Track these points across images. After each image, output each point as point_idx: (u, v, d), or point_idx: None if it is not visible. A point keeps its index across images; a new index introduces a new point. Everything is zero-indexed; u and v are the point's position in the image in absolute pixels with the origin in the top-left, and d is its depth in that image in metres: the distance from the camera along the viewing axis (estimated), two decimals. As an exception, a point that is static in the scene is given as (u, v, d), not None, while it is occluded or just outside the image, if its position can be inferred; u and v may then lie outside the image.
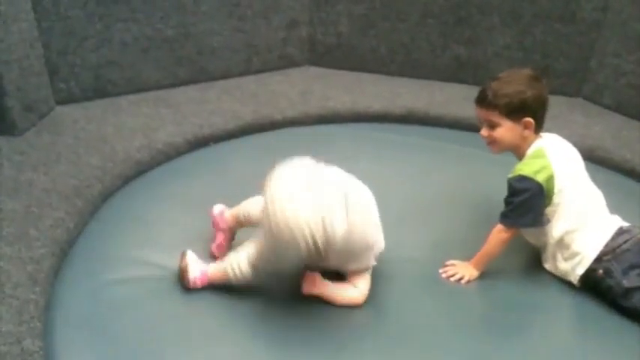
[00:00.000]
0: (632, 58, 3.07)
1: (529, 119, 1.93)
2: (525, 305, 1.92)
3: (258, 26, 3.21)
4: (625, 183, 2.61)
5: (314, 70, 3.37)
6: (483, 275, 2.00)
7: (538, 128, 1.97)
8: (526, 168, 1.92)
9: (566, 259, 1.95)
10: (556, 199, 1.91)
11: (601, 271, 1.87)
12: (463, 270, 1.98)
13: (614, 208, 2.02)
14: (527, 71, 1.98)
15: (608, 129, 2.93)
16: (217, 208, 2.03)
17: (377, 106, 3.05)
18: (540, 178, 1.88)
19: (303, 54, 3.41)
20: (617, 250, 1.87)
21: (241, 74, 3.17)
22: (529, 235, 2.04)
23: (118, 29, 2.80)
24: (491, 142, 2.00)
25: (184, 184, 2.38)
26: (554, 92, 3.13)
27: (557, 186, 1.90)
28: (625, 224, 1.96)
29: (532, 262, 2.08)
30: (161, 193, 2.31)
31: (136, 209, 2.20)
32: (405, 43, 3.37)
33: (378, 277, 1.93)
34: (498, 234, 1.95)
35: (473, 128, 2.90)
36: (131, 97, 2.84)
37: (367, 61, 3.41)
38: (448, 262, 2.02)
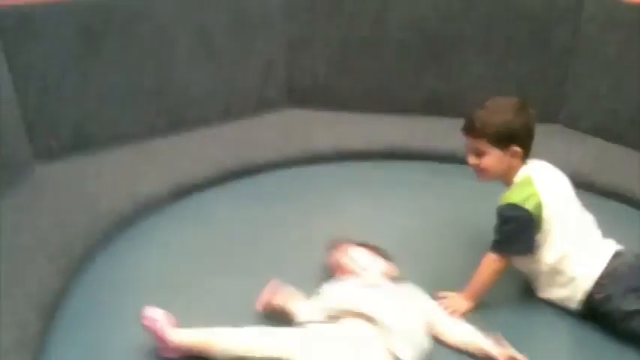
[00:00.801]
0: (606, 82, 3.11)
1: (516, 148, 1.94)
2: (522, 334, 1.90)
3: (235, 71, 3.21)
4: (610, 206, 2.62)
5: (293, 112, 3.38)
6: (477, 308, 1.97)
7: (525, 156, 1.98)
8: (514, 196, 1.92)
9: (563, 286, 1.94)
10: (546, 226, 1.91)
11: (600, 295, 1.86)
12: (456, 302, 1.96)
13: (602, 231, 2.02)
14: (513, 100, 1.99)
15: (588, 153, 2.95)
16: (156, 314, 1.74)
17: (358, 144, 3.06)
18: (529, 205, 1.89)
19: (282, 96, 3.42)
20: (616, 274, 1.87)
21: (221, 121, 3.16)
22: (520, 264, 2.03)
23: (96, 82, 2.78)
24: (479, 170, 2.00)
25: (170, 236, 2.36)
26: (532, 120, 3.20)
27: (546, 213, 1.90)
28: (619, 247, 1.96)
29: (524, 291, 2.07)
30: (146, 247, 2.28)
31: (122, 265, 2.17)
32: (381, 80, 3.39)
33: None
34: (491, 264, 1.94)
35: (455, 160, 2.95)
36: (111, 150, 2.82)
37: (345, 100, 3.43)
38: (440, 294, 1.99)
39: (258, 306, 1.89)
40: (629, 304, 1.81)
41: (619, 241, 2.01)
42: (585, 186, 2.63)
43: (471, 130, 1.98)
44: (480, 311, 1.97)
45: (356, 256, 2.00)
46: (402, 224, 2.46)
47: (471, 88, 3.33)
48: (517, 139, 1.94)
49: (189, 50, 3.03)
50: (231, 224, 2.44)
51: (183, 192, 2.60)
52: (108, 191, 2.48)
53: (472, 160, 2.01)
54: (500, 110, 1.95)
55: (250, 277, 2.03)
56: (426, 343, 1.75)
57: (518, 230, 1.90)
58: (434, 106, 3.38)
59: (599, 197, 2.64)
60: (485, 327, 1.88)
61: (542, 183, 1.94)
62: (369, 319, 1.69)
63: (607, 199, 2.66)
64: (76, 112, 2.76)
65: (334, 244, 2.08)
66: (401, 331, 1.66)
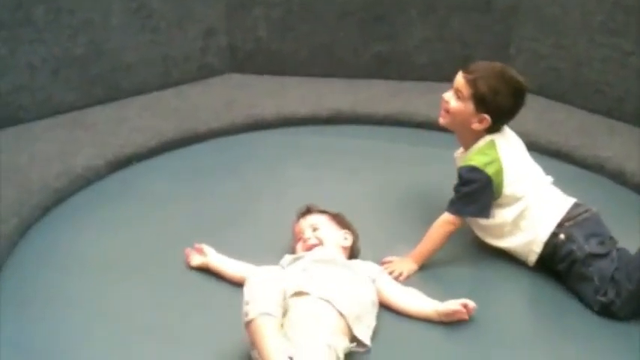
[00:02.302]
0: (549, 42, 3.12)
1: (487, 117, 1.94)
2: (467, 294, 1.90)
3: (174, 37, 3.10)
4: (552, 165, 2.63)
5: (236, 78, 3.29)
6: (423, 267, 1.97)
7: (491, 130, 1.98)
8: (476, 158, 1.94)
9: (525, 229, 1.94)
10: (506, 190, 1.93)
11: (562, 236, 1.89)
12: (401, 265, 1.95)
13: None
14: (518, 80, 1.99)
15: (531, 113, 2.94)
16: None
17: (303, 109, 3.00)
18: (490, 170, 1.91)
19: (223, 62, 3.33)
20: (579, 218, 1.91)
21: (160, 88, 3.06)
22: (477, 224, 2.03)
23: (24, 52, 2.66)
24: (446, 110, 2.00)
25: (108, 209, 2.27)
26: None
27: (507, 179, 1.92)
28: (575, 200, 1.98)
29: (471, 248, 2.07)
30: (84, 221, 2.19)
31: (57, 241, 2.08)
32: (326, 43, 3.33)
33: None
34: (443, 225, 1.95)
35: (401, 124, 2.93)
36: (45, 122, 2.70)
37: (289, 64, 3.36)
38: (385, 259, 1.98)
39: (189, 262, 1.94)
40: (591, 247, 1.85)
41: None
42: (529, 145, 2.65)
43: (469, 73, 1.96)
44: (429, 271, 1.97)
45: (317, 226, 1.96)
46: (349, 190, 2.42)
47: (416, 50, 3.31)
48: (493, 112, 1.94)
49: (124, 16, 2.91)
50: (172, 196, 2.36)
51: (121, 163, 2.51)
52: (41, 164, 2.37)
53: (448, 96, 1.99)
54: (501, 80, 1.95)
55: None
56: (374, 318, 1.73)
57: (476, 192, 1.92)
58: (379, 69, 3.34)
59: (541, 156, 2.64)
60: (436, 286, 1.89)
61: (505, 149, 1.96)
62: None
63: (550, 158, 2.67)
64: (5, 83, 2.63)
65: (300, 212, 2.04)
66: (353, 313, 1.63)
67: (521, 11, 3.19)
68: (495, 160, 1.92)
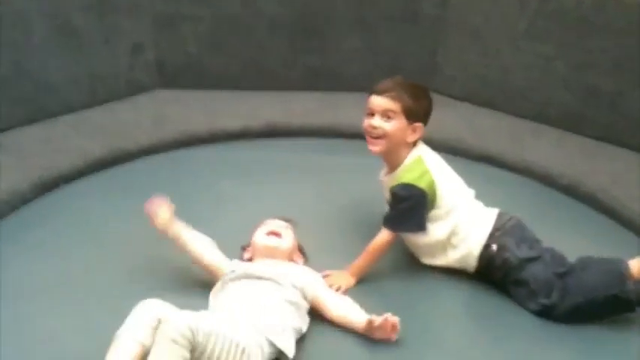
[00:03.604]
0: (475, 50, 3.20)
1: (420, 125, 1.97)
2: (412, 306, 1.91)
3: (100, 54, 3.03)
4: (482, 169, 2.69)
5: (165, 94, 3.23)
6: (362, 281, 1.97)
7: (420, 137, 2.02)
8: (407, 175, 1.95)
9: (458, 246, 1.97)
10: (438, 201, 1.96)
11: (494, 246, 1.93)
12: (339, 279, 1.95)
13: (476, 193, 2.08)
14: (422, 84, 2.06)
15: (460, 119, 3.03)
16: None
17: (235, 123, 2.97)
18: (423, 184, 1.92)
19: (152, 78, 3.27)
20: (506, 226, 1.96)
21: (87, 107, 2.98)
22: (410, 239, 2.05)
23: (-58, 74, 2.55)
24: (380, 135, 1.97)
25: (37, 234, 2.17)
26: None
27: (439, 190, 1.94)
28: (498, 209, 2.03)
29: (407, 260, 2.08)
30: (11, 247, 2.09)
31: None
32: (256, 57, 3.32)
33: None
34: (382, 242, 1.96)
35: (334, 135, 2.94)
36: (-36, 146, 2.58)
37: (220, 79, 3.33)
38: (323, 274, 1.97)
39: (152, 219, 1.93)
40: (523, 252, 1.90)
41: (494, 203, 2.07)
42: (457, 151, 2.71)
43: (389, 91, 1.96)
44: (367, 284, 1.97)
45: (286, 227, 2.00)
46: (285, 203, 2.40)
47: (346, 62, 3.34)
48: (422, 119, 1.99)
49: (46, 34, 2.82)
50: (102, 218, 2.27)
51: (47, 186, 2.42)
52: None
53: (377, 122, 1.97)
54: (417, 86, 2.02)
55: (125, 275, 1.94)
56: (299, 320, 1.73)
57: (411, 208, 1.94)
58: (310, 81, 3.35)
59: (470, 162, 2.71)
60: (375, 298, 1.89)
61: (432, 162, 1.99)
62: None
63: (479, 162, 2.73)
64: None
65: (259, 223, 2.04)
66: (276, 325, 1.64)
67: (447, 21, 3.27)
68: (425, 173, 1.94)
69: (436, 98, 3.19)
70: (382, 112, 1.97)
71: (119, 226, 2.22)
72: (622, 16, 2.74)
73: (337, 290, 1.91)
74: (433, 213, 1.97)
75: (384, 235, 1.96)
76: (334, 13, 3.28)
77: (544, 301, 1.85)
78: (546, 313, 1.86)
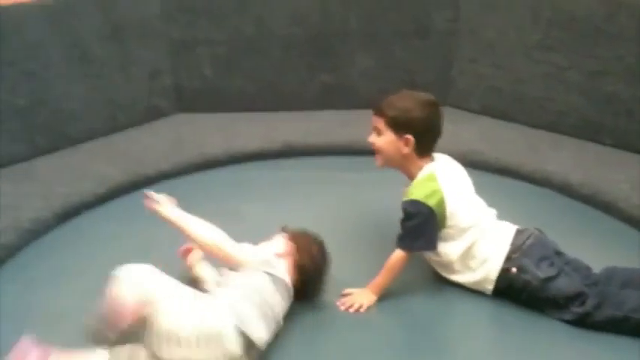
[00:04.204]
0: (488, 62, 3.20)
1: (409, 137, 1.96)
2: (435, 321, 1.91)
3: (118, 81, 3.09)
4: (500, 181, 2.69)
5: (184, 118, 3.28)
6: (382, 298, 1.97)
7: (423, 151, 2.00)
8: (417, 192, 1.94)
9: (476, 269, 1.97)
10: (449, 221, 1.94)
11: (514, 269, 1.91)
12: (360, 297, 1.95)
13: (496, 207, 2.07)
14: (425, 95, 2.03)
15: (477, 132, 3.02)
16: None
17: (253, 144, 3.00)
18: (431, 202, 1.91)
19: (170, 102, 3.32)
20: (524, 247, 1.93)
21: (107, 133, 3.03)
22: (425, 256, 2.05)
23: (-36, 105, 2.60)
24: (376, 150, 2.04)
25: (60, 260, 2.21)
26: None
27: (449, 209, 1.93)
28: (517, 226, 2.01)
29: (428, 276, 2.07)
30: (35, 275, 2.13)
31: (9, 295, 2.01)
32: (272, 78, 3.35)
33: None
34: (396, 261, 1.96)
35: (352, 152, 2.95)
36: (-12, 176, 2.63)
37: (237, 100, 3.37)
38: (344, 292, 1.98)
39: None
40: (544, 272, 1.88)
41: (513, 217, 2.06)
42: (474, 164, 2.70)
43: (377, 108, 2.02)
44: (388, 301, 1.96)
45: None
46: (304, 221, 2.40)
47: (361, 79, 3.35)
48: (412, 130, 1.96)
49: (65, 64, 2.88)
50: (125, 242, 2.31)
51: (70, 213, 2.46)
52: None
53: (371, 138, 2.04)
54: (407, 99, 2.00)
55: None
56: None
57: (420, 226, 1.92)
58: (326, 100, 3.37)
59: (488, 174, 2.70)
60: (397, 316, 1.88)
61: (446, 179, 1.97)
62: None
63: (497, 175, 2.72)
64: (-57, 138, 2.57)
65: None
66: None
67: (459, 35, 3.27)
68: (436, 192, 1.92)
69: (452, 112, 3.27)
70: (374, 128, 2.04)
71: (141, 247, 2.25)
72: (634, 24, 2.73)
73: (359, 308, 1.92)
74: (445, 232, 1.95)
75: (397, 253, 1.96)
76: (347, 31, 3.31)
77: (578, 310, 1.84)
78: (581, 322, 1.84)
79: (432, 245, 1.95)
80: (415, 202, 1.92)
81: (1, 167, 2.67)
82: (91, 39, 2.96)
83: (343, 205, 2.55)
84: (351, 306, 1.93)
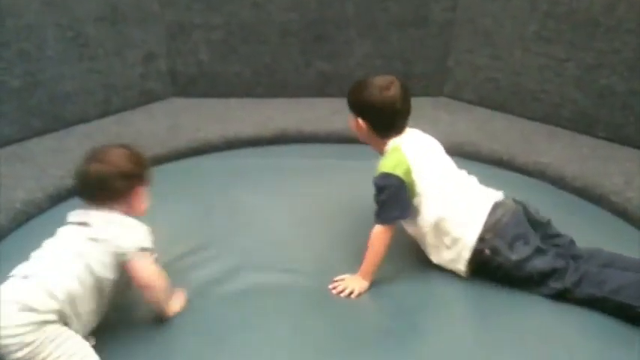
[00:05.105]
0: (485, 53, 3.20)
1: (360, 120, 2.03)
2: (418, 306, 1.91)
3: (113, 64, 3.07)
4: (495, 173, 2.69)
5: (179, 102, 3.27)
6: (375, 283, 1.98)
7: (382, 131, 2.02)
8: (384, 165, 1.98)
9: (449, 247, 1.98)
10: (418, 189, 1.96)
11: (487, 251, 1.92)
12: (352, 283, 1.95)
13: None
14: (382, 79, 2.02)
15: (473, 123, 3.03)
16: None
17: (248, 130, 2.99)
18: (399, 171, 1.93)
19: (165, 87, 3.30)
20: (498, 226, 1.93)
21: (101, 116, 3.02)
22: (409, 229, 2.07)
23: (-43, 86, 2.59)
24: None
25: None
26: (417, 94, 3.20)
27: (416, 177, 1.95)
28: (499, 197, 2.01)
29: (419, 262, 2.08)
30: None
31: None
32: (268, 64, 3.34)
33: (268, 297, 1.91)
34: (377, 236, 1.96)
35: (346, 140, 2.95)
36: (-18, 157, 2.62)
37: (233, 86, 3.36)
38: (337, 278, 1.98)
39: None
40: (518, 253, 1.89)
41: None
42: (470, 155, 2.71)
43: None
44: (380, 287, 1.97)
45: None
46: (297, 208, 2.42)
47: (358, 67, 3.35)
48: (365, 114, 2.02)
49: (60, 45, 2.87)
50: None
51: (63, 195, 2.44)
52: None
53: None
54: (362, 84, 2.04)
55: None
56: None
57: (392, 197, 1.94)
58: (322, 88, 3.37)
59: (485, 165, 2.70)
60: (388, 302, 1.89)
61: (410, 149, 1.99)
62: None
63: (492, 166, 2.73)
64: (-64, 118, 2.56)
65: None
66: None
67: (457, 25, 3.27)
68: (401, 161, 1.95)
69: (448, 102, 3.28)
70: None
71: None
72: (633, 16, 2.73)
73: (350, 294, 1.92)
74: (417, 200, 1.97)
75: (376, 229, 1.97)
76: (345, 20, 3.30)
77: (556, 285, 1.87)
78: (561, 296, 1.87)
79: (406, 213, 1.97)
80: (383, 175, 1.95)
81: (-5, 148, 2.66)
82: (87, 21, 2.95)
83: (337, 192, 2.54)
84: (342, 291, 1.93)
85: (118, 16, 3.05)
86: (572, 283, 1.85)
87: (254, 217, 2.35)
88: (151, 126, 2.97)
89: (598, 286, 1.83)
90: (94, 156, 1.75)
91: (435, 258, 2.03)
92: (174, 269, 2.01)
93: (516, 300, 1.91)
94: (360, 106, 2.02)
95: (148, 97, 3.22)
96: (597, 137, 2.89)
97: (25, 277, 1.61)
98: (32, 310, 1.52)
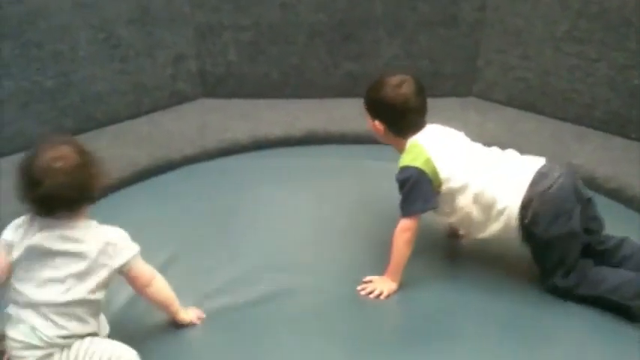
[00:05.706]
0: (515, 53, 3.17)
1: (377, 122, 2.04)
2: (444, 312, 1.91)
3: (143, 65, 3.10)
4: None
5: (208, 103, 3.29)
6: (402, 286, 1.97)
7: (400, 131, 2.02)
8: (403, 160, 1.99)
9: (496, 218, 1.93)
10: (443, 174, 1.94)
11: (527, 221, 1.87)
12: (381, 284, 1.96)
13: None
14: (395, 78, 2.03)
15: (502, 124, 3.00)
16: None
17: (276, 131, 3.00)
18: (418, 163, 1.93)
19: (195, 88, 3.33)
20: (547, 195, 1.86)
21: (131, 117, 3.05)
22: (450, 218, 2.06)
23: (-8, 86, 2.64)
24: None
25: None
26: (446, 94, 3.23)
27: (438, 164, 1.94)
28: (542, 163, 1.95)
29: (450, 267, 2.08)
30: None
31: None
32: (296, 64, 3.35)
33: (295, 298, 1.92)
34: (401, 234, 1.95)
35: (374, 141, 2.94)
36: (15, 158, 2.65)
37: (261, 87, 3.37)
38: (365, 279, 1.99)
39: None
40: (557, 229, 1.84)
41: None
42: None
43: None
44: (409, 290, 1.97)
45: None
46: (324, 209, 2.43)
47: (386, 67, 3.32)
48: (378, 114, 2.04)
49: (92, 46, 2.91)
50: (148, 226, 2.32)
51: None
52: (12, 201, 2.33)
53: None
54: (376, 85, 2.05)
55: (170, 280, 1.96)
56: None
57: (414, 189, 1.93)
58: (350, 88, 3.36)
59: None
60: (415, 306, 1.88)
61: (427, 139, 1.99)
62: None
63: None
64: (-28, 118, 2.61)
65: None
66: None
67: (486, 24, 3.24)
68: (420, 153, 1.95)
69: (477, 103, 3.25)
70: None
71: (164, 234, 2.27)
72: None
73: (379, 296, 1.93)
74: (446, 186, 1.94)
75: (400, 223, 1.96)
76: (373, 19, 3.29)
77: (560, 282, 1.86)
78: (558, 294, 1.88)
79: (430, 204, 1.95)
80: (403, 169, 1.96)
81: (28, 149, 2.69)
82: (118, 22, 2.98)
83: (365, 193, 2.55)
84: (371, 292, 1.94)
85: (148, 18, 3.08)
86: (574, 284, 1.85)
87: (280, 217, 2.36)
88: (181, 126, 3.00)
89: (595, 285, 1.83)
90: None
91: (482, 234, 1.99)
92: (200, 269, 2.04)
93: (549, 306, 1.89)
94: (374, 106, 2.04)
95: (178, 98, 3.25)
96: (630, 138, 2.84)
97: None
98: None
